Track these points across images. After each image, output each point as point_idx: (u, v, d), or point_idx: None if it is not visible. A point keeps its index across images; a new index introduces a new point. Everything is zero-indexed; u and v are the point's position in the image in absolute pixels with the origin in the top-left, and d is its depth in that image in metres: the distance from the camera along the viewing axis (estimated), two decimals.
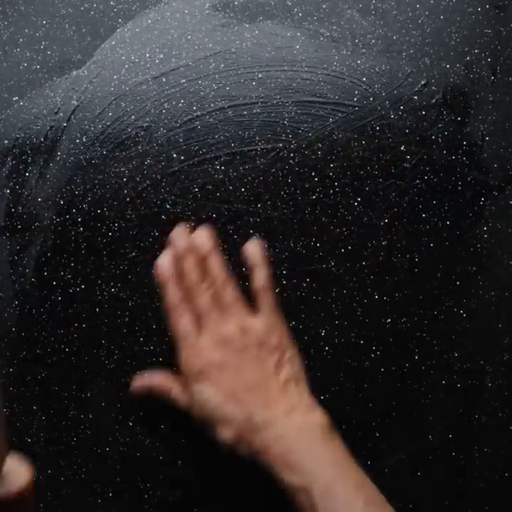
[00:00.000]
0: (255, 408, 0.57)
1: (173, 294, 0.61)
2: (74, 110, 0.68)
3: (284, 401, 0.57)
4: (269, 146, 0.67)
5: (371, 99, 0.67)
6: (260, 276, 0.62)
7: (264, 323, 0.61)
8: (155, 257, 0.66)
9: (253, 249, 0.63)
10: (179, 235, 0.63)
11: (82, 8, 0.69)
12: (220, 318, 0.61)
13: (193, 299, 0.61)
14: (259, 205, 0.67)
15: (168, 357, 0.66)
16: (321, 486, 0.54)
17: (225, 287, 0.62)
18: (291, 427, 0.56)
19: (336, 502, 0.54)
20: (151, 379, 0.63)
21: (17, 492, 0.41)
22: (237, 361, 0.59)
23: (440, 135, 0.67)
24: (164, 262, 0.62)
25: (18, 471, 0.43)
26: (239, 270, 0.67)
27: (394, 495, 0.63)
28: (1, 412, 0.44)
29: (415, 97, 0.67)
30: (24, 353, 0.67)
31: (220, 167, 0.67)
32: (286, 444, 0.55)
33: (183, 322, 0.61)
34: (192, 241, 0.62)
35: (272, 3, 0.68)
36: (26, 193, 0.68)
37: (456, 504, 0.65)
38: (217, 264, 0.62)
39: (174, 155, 0.67)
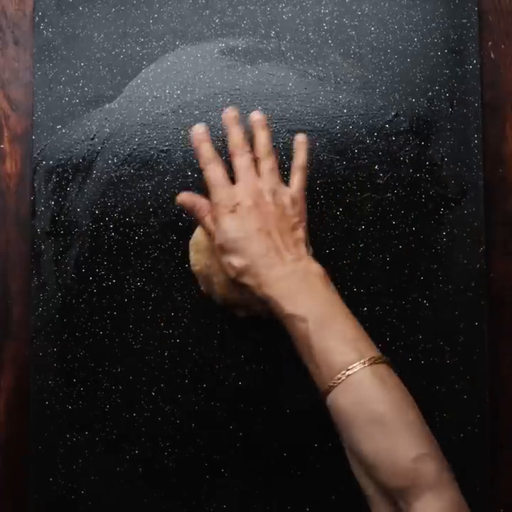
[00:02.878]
0: (269, 248, 0.59)
1: (208, 150, 0.63)
2: (107, 136, 0.73)
3: (293, 251, 0.60)
4: None
5: (351, 127, 0.72)
6: (299, 157, 0.64)
7: (293, 193, 0.63)
8: (174, 257, 0.72)
9: (300, 138, 0.65)
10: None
11: (113, 52, 0.74)
12: (256, 177, 0.63)
13: (234, 158, 0.63)
14: None
15: (184, 339, 0.71)
16: (316, 317, 0.56)
17: (266, 157, 0.63)
18: (296, 270, 0.59)
19: (329, 331, 0.55)
20: (196, 198, 0.64)
21: None
22: (264, 210, 0.61)
23: (407, 157, 0.72)
24: (201, 126, 0.64)
25: None
26: None
27: None
28: None
29: (387, 126, 0.72)
30: (65, 335, 0.73)
31: None
32: (290, 282, 0.58)
33: (219, 171, 0.63)
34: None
35: (269, 49, 0.73)
36: (68, 204, 0.73)
37: None
38: (265, 137, 0.64)
39: (189, 173, 0.73)
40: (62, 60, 0.75)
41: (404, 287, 0.72)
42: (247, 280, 0.60)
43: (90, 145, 0.74)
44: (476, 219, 0.72)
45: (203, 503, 0.72)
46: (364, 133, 0.73)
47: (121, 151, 0.74)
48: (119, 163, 0.74)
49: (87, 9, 0.75)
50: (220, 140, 0.73)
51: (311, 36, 0.74)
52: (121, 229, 0.73)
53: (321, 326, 0.56)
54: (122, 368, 0.73)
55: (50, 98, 0.74)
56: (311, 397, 0.70)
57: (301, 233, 0.62)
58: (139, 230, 0.73)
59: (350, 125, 0.73)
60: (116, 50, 0.75)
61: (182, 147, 0.73)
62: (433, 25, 0.73)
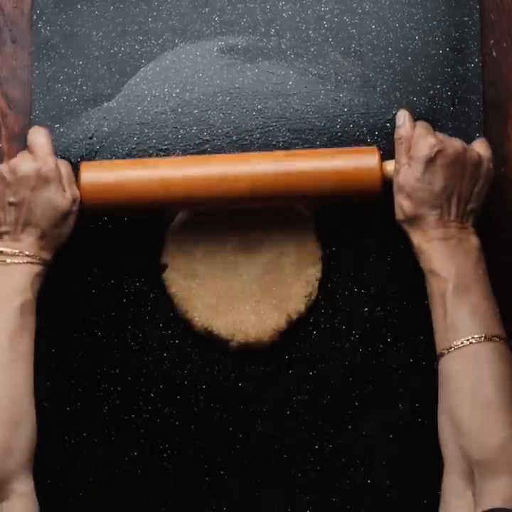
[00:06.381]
0: (443, 211, 0.63)
1: None
2: (105, 135, 0.74)
3: (461, 221, 0.64)
4: None
5: (351, 126, 0.73)
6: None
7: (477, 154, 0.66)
8: None
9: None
10: None
11: (112, 50, 0.74)
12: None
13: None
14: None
15: (183, 339, 0.72)
16: (457, 283, 0.61)
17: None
18: (456, 236, 0.63)
19: (463, 300, 0.61)
20: (410, 124, 0.67)
21: None
22: (458, 168, 0.64)
23: None
24: None
25: None
26: None
27: (369, 453, 0.71)
28: None
29: (388, 125, 0.72)
30: (65, 335, 0.72)
31: None
32: (447, 244, 0.63)
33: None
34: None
35: (269, 47, 0.74)
36: None
37: (423, 458, 0.70)
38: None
39: None
40: (61, 58, 0.75)
41: (405, 287, 0.72)
42: (409, 228, 0.65)
43: (89, 144, 0.74)
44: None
45: (203, 504, 0.72)
46: (365, 132, 0.73)
47: (120, 150, 0.74)
48: None
49: (85, 7, 0.75)
50: (219, 139, 0.73)
51: (312, 34, 0.74)
52: (120, 229, 0.74)
53: (457, 292, 0.61)
54: (121, 369, 0.73)
55: (48, 97, 0.74)
56: (312, 398, 0.73)
57: (477, 203, 0.65)
58: (139, 230, 0.74)
59: (350, 124, 0.73)
60: (115, 49, 0.75)
61: (181, 146, 0.73)
62: (434, 23, 0.73)
